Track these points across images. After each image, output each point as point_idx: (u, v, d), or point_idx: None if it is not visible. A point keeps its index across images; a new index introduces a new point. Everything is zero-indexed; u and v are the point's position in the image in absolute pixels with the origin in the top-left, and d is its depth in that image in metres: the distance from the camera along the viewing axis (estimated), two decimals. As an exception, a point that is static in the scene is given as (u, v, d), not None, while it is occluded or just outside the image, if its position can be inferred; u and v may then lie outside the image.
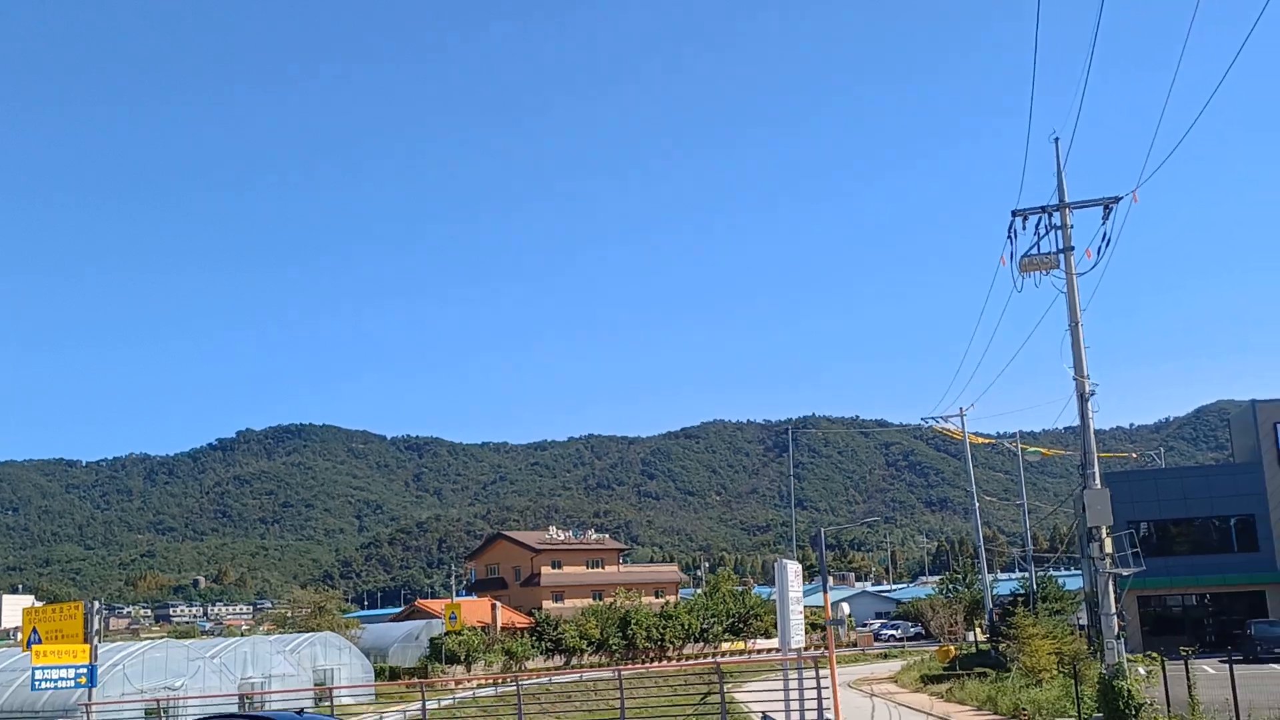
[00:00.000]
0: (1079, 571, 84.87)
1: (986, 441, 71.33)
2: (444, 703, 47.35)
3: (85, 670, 30.69)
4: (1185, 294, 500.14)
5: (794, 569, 21.47)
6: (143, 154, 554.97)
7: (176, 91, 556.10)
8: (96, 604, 32.59)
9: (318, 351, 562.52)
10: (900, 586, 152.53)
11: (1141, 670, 25.70)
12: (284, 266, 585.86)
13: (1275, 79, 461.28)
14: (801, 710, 20.87)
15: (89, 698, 32.77)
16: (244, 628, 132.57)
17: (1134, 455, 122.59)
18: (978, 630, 72.50)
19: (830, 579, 74.21)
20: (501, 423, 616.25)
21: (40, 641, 31.17)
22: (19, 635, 56.36)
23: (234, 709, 42.82)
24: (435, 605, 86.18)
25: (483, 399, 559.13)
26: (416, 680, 60.06)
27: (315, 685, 53.19)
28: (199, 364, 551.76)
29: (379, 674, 63.23)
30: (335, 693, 47.47)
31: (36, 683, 30.10)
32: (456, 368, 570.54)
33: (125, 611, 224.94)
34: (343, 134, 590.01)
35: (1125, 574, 25.78)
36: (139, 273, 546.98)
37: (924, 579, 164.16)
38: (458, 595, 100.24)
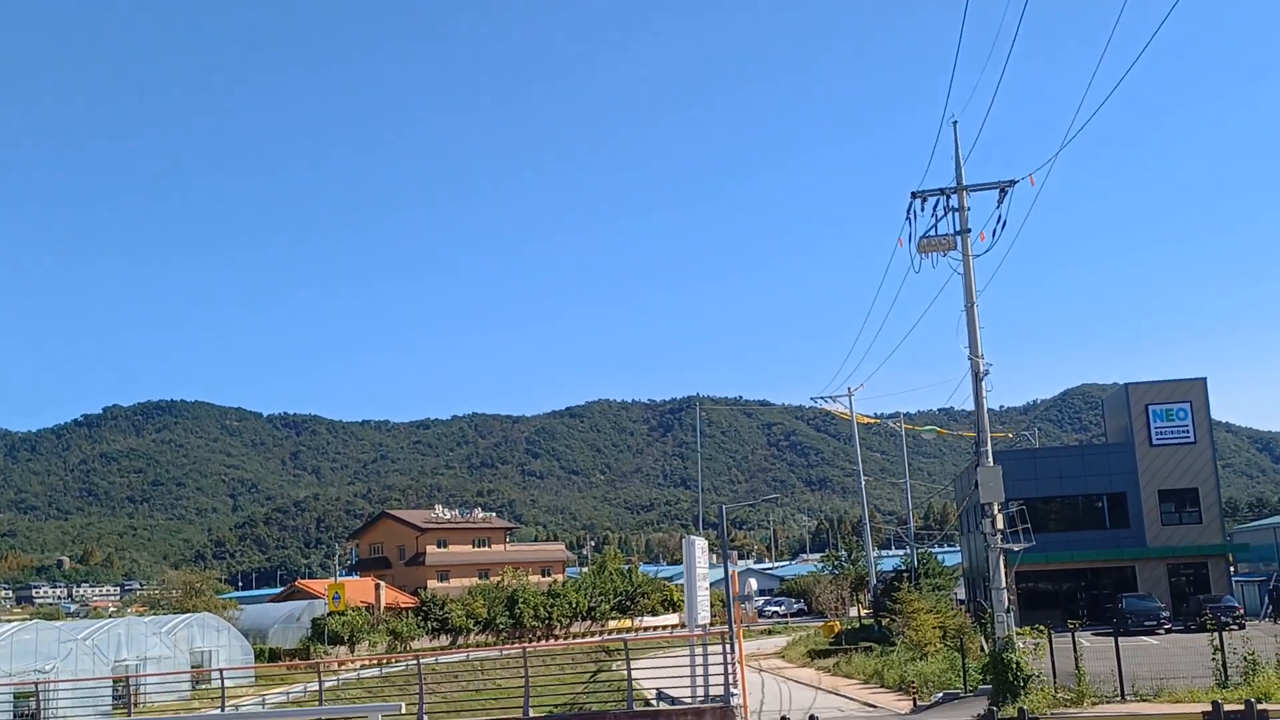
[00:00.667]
0: (956, 548, 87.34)
1: (871, 422, 72.53)
2: (328, 684, 46.42)
3: (-50, 654, 29.16)
4: (1051, 279, 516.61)
5: (701, 545, 21.44)
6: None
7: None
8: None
9: (190, 328, 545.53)
10: (782, 564, 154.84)
11: (1025, 642, 26.39)
12: (158, 245, 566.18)
13: (1164, 78, 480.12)
14: (706, 684, 20.88)
15: (-46, 683, 31.19)
16: (112, 610, 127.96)
17: (1010, 435, 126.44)
18: (860, 606, 74.11)
19: (714, 556, 74.95)
20: (383, 400, 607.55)
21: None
22: None
23: (108, 692, 41.34)
24: (317, 585, 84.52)
25: (364, 377, 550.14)
26: (299, 662, 58.89)
27: (193, 668, 51.81)
28: (63, 338, 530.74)
29: (259, 655, 61.85)
30: (213, 675, 46.11)
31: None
32: (336, 346, 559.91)
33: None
34: (229, 125, 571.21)
35: (1015, 549, 26.43)
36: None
37: (805, 556, 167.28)
38: (339, 575, 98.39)
